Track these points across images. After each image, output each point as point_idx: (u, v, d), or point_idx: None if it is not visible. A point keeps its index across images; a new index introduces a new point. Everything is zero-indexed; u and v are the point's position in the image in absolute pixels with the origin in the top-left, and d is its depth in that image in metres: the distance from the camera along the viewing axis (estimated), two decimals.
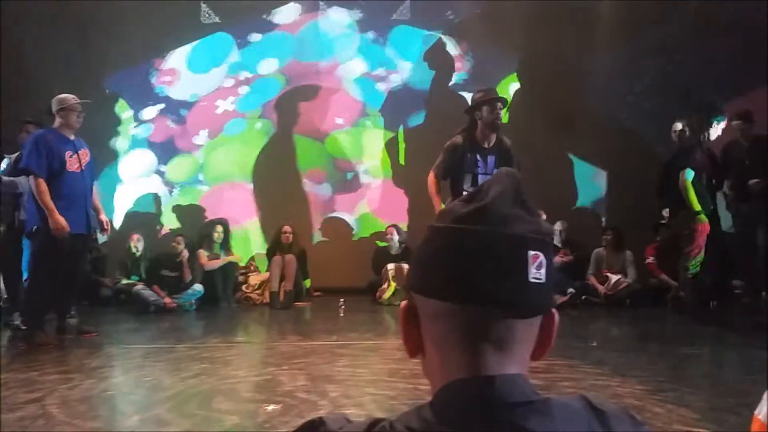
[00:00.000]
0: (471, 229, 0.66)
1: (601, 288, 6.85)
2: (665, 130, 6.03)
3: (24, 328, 4.66)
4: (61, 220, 4.47)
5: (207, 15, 8.46)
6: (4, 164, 5.54)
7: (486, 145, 4.33)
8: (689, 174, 5.15)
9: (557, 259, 6.97)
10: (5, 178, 5.36)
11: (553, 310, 0.71)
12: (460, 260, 0.66)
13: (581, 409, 0.67)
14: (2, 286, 5.83)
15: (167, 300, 6.53)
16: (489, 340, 0.66)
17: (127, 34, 8.04)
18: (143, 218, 8.16)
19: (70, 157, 4.67)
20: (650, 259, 6.95)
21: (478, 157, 4.30)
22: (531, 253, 0.66)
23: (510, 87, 8.26)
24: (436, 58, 8.41)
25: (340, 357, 4.03)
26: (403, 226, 7.69)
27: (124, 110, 8.42)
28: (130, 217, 8.17)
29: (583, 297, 6.80)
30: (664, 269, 6.82)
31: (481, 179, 4.14)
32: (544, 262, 0.66)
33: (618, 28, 7.96)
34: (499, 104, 4.28)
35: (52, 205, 4.48)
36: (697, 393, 3.05)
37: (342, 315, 6.20)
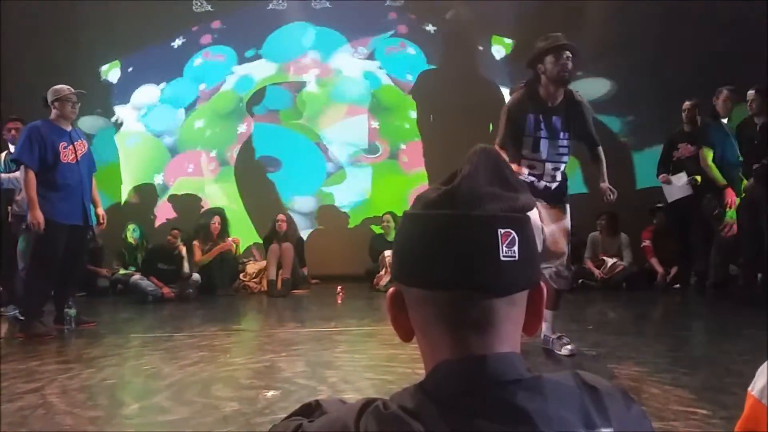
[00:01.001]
0: (439, 213, 0.66)
1: (597, 272, 6.89)
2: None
3: (22, 318, 4.66)
4: (39, 215, 4.46)
5: (199, 4, 8.40)
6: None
7: (551, 104, 3.52)
8: (709, 153, 5.37)
9: None
10: (4, 176, 5.35)
11: (541, 284, 0.70)
12: (431, 246, 0.66)
13: (573, 386, 0.67)
14: None
15: (165, 290, 6.54)
16: (470, 322, 0.66)
17: (119, 25, 8.00)
18: (138, 207, 8.16)
19: (65, 148, 4.65)
20: (646, 242, 7.00)
21: (541, 117, 3.51)
22: (501, 231, 0.65)
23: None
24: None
25: (339, 343, 4.04)
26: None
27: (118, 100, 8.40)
28: (126, 206, 8.17)
29: (580, 281, 6.83)
30: (659, 253, 6.89)
31: (543, 144, 3.50)
32: (517, 238, 0.65)
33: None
34: (566, 53, 3.45)
35: (35, 197, 4.48)
36: (694, 374, 3.07)
37: (340, 302, 6.22)
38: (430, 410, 0.63)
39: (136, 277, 6.66)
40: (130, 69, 8.43)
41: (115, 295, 7.11)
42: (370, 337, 4.40)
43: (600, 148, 3.68)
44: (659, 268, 6.87)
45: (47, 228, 4.49)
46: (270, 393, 2.83)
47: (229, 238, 7.30)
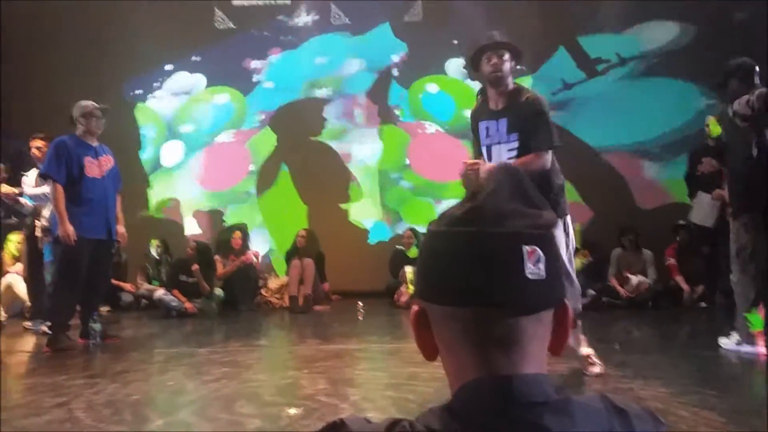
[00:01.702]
0: (463, 231, 0.66)
1: (622, 291, 6.80)
2: None
3: (49, 333, 4.73)
4: (69, 228, 4.53)
5: (221, 20, 8.54)
6: (26, 181, 5.63)
7: (497, 107, 3.33)
8: None
9: (578, 260, 6.94)
10: (32, 191, 5.45)
11: (566, 302, 0.70)
12: (456, 263, 0.66)
13: (602, 409, 0.67)
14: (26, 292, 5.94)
15: (188, 305, 6.60)
16: (495, 340, 0.66)
17: (141, 41, 8.18)
18: (164, 223, 8.28)
19: (90, 162, 4.73)
20: (671, 260, 6.90)
21: (489, 123, 3.33)
22: (527, 248, 0.65)
23: None
24: None
25: (360, 360, 4.04)
26: None
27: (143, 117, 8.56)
28: (151, 222, 8.28)
29: (604, 299, 6.75)
30: (683, 271, 6.79)
31: (495, 150, 3.30)
32: (542, 256, 0.65)
33: None
34: (499, 52, 3.24)
35: (64, 211, 4.55)
36: (723, 396, 3.01)
37: (361, 318, 6.21)
38: (455, 431, 0.63)
39: (160, 292, 6.73)
40: (155, 84, 8.60)
41: (139, 309, 7.18)
42: (391, 355, 4.39)
43: (538, 155, 3.21)
44: (685, 287, 6.76)
45: (73, 243, 4.56)
46: (292, 410, 2.83)
47: (249, 251, 7.36)
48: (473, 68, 3.38)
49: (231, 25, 8.53)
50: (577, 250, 7.03)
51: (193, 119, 8.62)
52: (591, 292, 6.63)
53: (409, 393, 3.17)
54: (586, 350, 3.45)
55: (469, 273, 0.65)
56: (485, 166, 3.20)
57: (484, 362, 0.66)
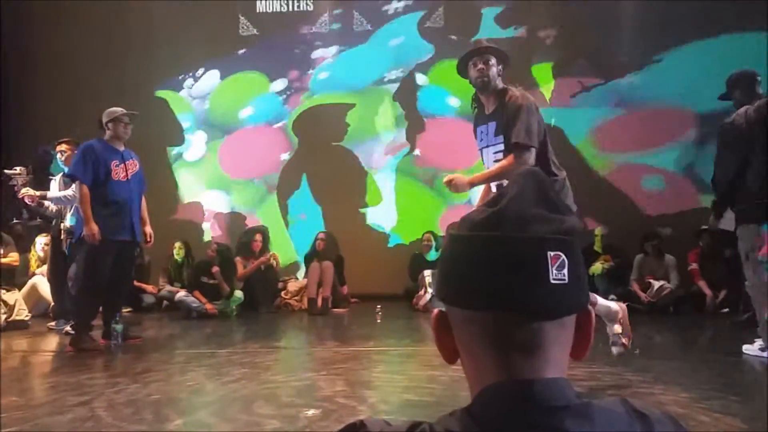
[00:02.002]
0: (486, 235, 0.66)
1: (643, 295, 6.73)
2: None
3: (72, 332, 4.81)
4: (94, 227, 4.63)
5: (245, 27, 8.63)
6: (53, 184, 5.73)
7: (488, 111, 3.35)
8: None
9: (599, 265, 6.88)
10: (56, 194, 5.54)
11: (589, 308, 0.70)
12: (478, 267, 0.66)
13: (623, 413, 0.66)
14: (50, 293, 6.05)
15: (208, 306, 6.66)
16: (517, 344, 0.66)
17: (165, 48, 8.29)
18: (186, 225, 8.37)
19: (116, 166, 4.83)
20: (693, 265, 6.82)
21: (482, 128, 3.37)
22: (551, 253, 0.65)
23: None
24: None
25: (378, 363, 4.04)
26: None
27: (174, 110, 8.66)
28: (174, 224, 8.38)
29: (626, 304, 6.67)
30: (705, 276, 6.71)
31: (485, 153, 3.34)
32: (566, 261, 0.65)
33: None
34: (484, 58, 3.28)
35: (89, 212, 4.66)
36: (745, 401, 2.97)
37: (379, 321, 6.22)
38: None
39: (182, 294, 6.80)
40: (181, 91, 8.72)
41: (160, 311, 7.26)
42: (409, 358, 4.38)
43: (514, 155, 3.14)
44: (708, 292, 6.68)
45: (97, 244, 4.65)
46: (310, 412, 2.84)
47: (269, 253, 7.41)
48: (461, 75, 3.41)
49: (254, 31, 8.61)
50: (598, 255, 7.00)
51: (220, 116, 8.69)
52: (612, 297, 6.56)
53: (428, 396, 3.17)
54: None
55: (493, 278, 0.65)
56: (463, 179, 3.24)
57: (505, 366, 0.66)
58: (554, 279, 0.65)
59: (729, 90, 4.14)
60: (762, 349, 4.02)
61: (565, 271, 0.65)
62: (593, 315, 0.70)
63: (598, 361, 3.75)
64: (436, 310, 0.73)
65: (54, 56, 8.34)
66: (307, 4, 8.60)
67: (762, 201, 3.86)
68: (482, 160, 3.40)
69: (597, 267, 6.90)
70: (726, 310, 6.46)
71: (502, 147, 3.26)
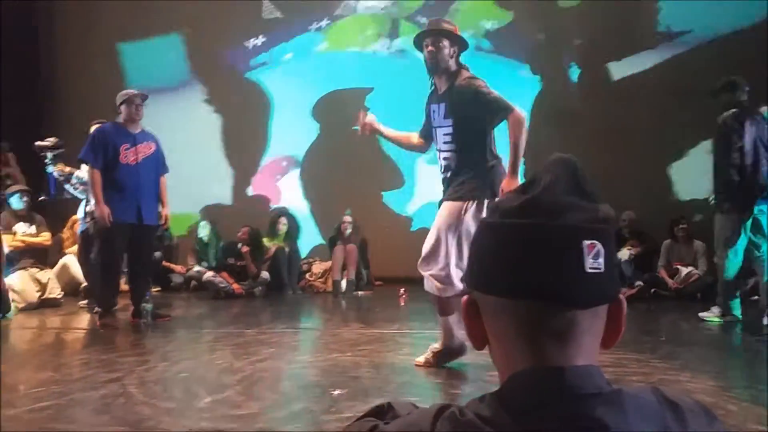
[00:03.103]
0: (522, 223, 0.66)
1: (670, 281, 6.65)
2: None
3: (98, 311, 4.94)
4: (105, 209, 4.71)
5: (269, 10, 8.62)
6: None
7: (441, 91, 3.37)
8: None
9: (625, 250, 6.80)
10: (84, 174, 5.62)
11: (621, 297, 0.70)
12: (514, 255, 0.66)
13: (654, 401, 0.66)
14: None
15: (236, 286, 6.75)
16: (550, 332, 0.66)
17: (190, 30, 8.33)
18: (216, 208, 8.45)
19: (126, 150, 4.86)
20: None
21: (433, 107, 3.39)
22: (586, 242, 0.64)
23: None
24: None
25: (402, 345, 4.07)
26: None
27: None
28: (205, 207, 8.45)
29: (652, 290, 6.62)
30: None
31: (436, 132, 3.37)
32: (602, 250, 0.65)
33: None
34: (433, 38, 3.30)
35: (99, 195, 4.75)
36: None
37: (403, 304, 6.24)
38: (505, 420, 0.63)
39: (209, 274, 6.90)
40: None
41: (189, 291, 7.38)
42: (433, 341, 4.38)
43: (513, 116, 3.18)
44: None
45: (105, 227, 4.74)
46: (336, 392, 2.88)
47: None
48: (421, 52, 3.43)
49: (278, 14, 8.59)
50: (625, 240, 6.91)
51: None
52: (639, 282, 6.51)
53: (453, 378, 3.19)
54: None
55: (529, 266, 0.65)
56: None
57: (537, 354, 0.66)
58: (590, 268, 0.64)
59: (717, 92, 4.90)
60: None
61: (601, 260, 0.65)
62: (624, 304, 0.70)
63: (623, 348, 3.73)
64: (465, 297, 0.73)
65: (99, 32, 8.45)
66: None
67: (742, 194, 4.68)
68: (434, 137, 3.43)
69: (624, 252, 6.82)
70: (755, 297, 6.34)
71: (450, 130, 3.32)
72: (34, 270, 6.11)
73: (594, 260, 0.65)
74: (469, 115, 3.25)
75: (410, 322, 5.08)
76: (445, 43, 3.30)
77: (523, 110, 3.26)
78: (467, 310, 0.73)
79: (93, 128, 5.70)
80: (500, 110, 3.22)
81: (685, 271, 6.65)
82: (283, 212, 7.73)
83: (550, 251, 0.65)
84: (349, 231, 7.35)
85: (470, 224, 3.15)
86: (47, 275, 6.19)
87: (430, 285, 3.27)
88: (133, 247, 4.94)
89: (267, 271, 7.12)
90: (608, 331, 0.70)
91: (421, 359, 3.44)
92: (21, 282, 5.96)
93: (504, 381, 0.69)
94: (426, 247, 3.28)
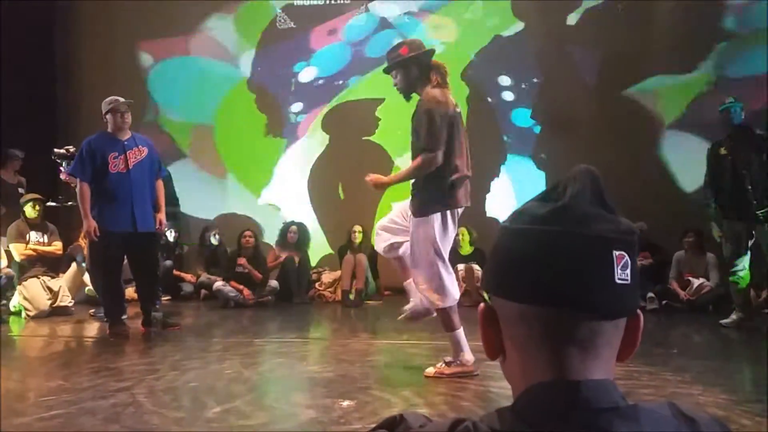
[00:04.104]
0: (552, 230, 0.65)
1: (682, 293, 6.59)
2: None
3: (106, 320, 4.96)
4: (91, 223, 4.72)
5: (283, 20, 8.67)
6: None
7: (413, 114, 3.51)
8: None
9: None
10: None
11: (639, 312, 0.69)
12: (543, 263, 0.65)
13: (669, 416, 0.66)
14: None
15: (246, 292, 6.75)
16: (574, 342, 0.65)
17: (204, 38, 8.40)
18: (228, 218, 8.46)
19: (115, 158, 4.82)
20: None
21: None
22: (616, 253, 0.65)
23: None
24: None
25: (412, 356, 4.06)
26: None
27: None
28: (218, 217, 8.46)
29: (664, 302, 6.56)
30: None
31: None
32: (629, 262, 0.65)
33: None
34: (391, 73, 3.52)
35: (87, 208, 4.75)
36: None
37: None
38: None
39: (219, 283, 6.91)
40: None
41: (199, 300, 7.40)
42: (442, 352, 4.36)
43: (421, 158, 3.34)
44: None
45: (98, 237, 4.75)
46: (345, 403, 2.88)
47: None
48: None
49: (292, 24, 8.64)
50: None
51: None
52: (650, 294, 6.46)
53: (461, 391, 3.17)
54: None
55: (557, 273, 0.65)
56: (381, 179, 3.64)
57: (557, 364, 0.66)
58: (619, 279, 0.65)
59: (720, 119, 5.30)
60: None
61: (628, 271, 0.65)
62: (642, 319, 0.70)
63: (634, 360, 3.69)
64: (481, 305, 0.73)
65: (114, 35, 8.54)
66: None
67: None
68: None
69: None
70: None
71: (412, 146, 3.49)
72: (45, 278, 6.14)
73: (622, 271, 0.65)
74: (418, 131, 3.39)
75: (420, 333, 5.05)
76: (402, 72, 3.46)
77: (438, 156, 3.31)
78: (484, 317, 0.72)
79: None
80: (418, 144, 3.38)
81: (696, 282, 6.58)
82: (294, 222, 7.74)
83: (582, 260, 0.64)
84: (359, 241, 7.36)
85: (440, 235, 3.36)
86: (59, 283, 6.22)
87: (429, 300, 3.44)
88: (132, 255, 4.92)
89: (276, 280, 7.12)
90: (624, 345, 0.69)
91: (431, 370, 3.44)
92: (32, 290, 6.00)
93: (520, 393, 0.68)
94: (411, 266, 3.47)
